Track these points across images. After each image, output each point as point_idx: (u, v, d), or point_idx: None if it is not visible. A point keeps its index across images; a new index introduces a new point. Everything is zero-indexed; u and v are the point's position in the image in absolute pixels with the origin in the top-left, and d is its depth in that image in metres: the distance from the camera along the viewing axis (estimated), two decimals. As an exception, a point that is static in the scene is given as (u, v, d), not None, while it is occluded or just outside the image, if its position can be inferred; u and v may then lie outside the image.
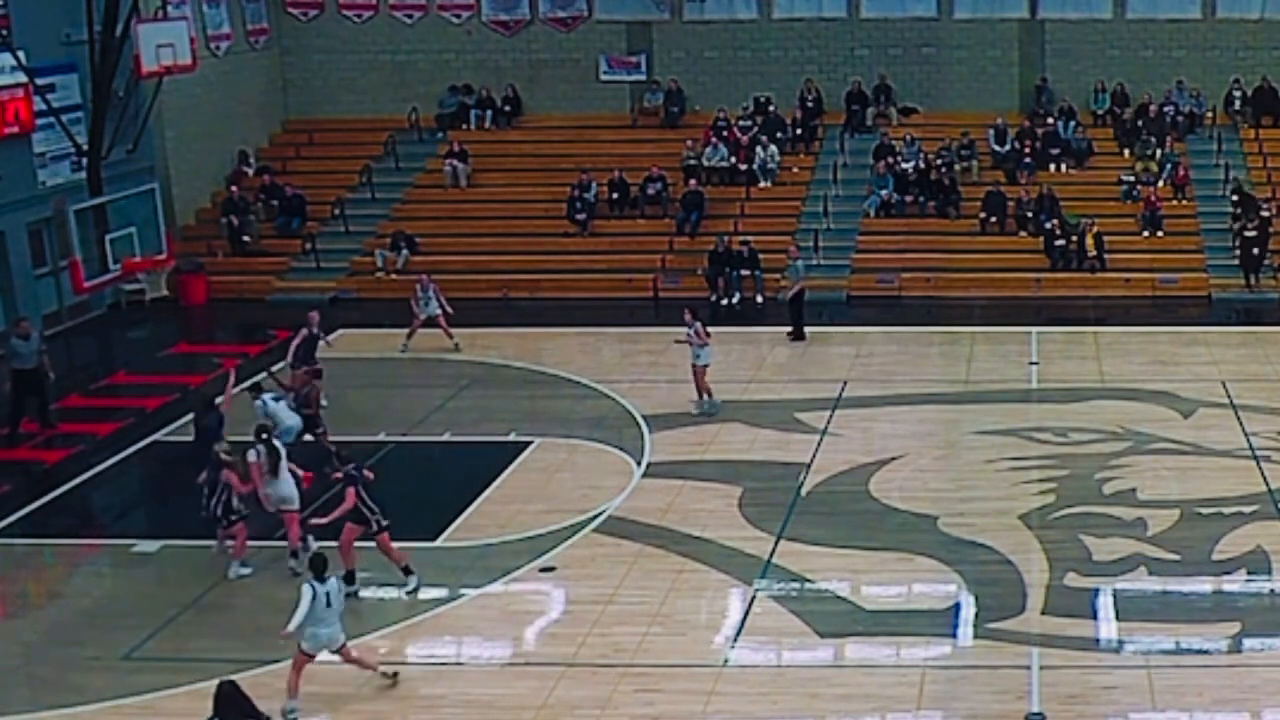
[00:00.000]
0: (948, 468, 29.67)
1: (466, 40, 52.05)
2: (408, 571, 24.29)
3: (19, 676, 21.97)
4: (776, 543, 25.86)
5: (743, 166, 48.14)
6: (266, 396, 28.96)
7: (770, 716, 20.21)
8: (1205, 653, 21.65)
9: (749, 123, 49.60)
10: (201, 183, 48.49)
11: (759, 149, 48.13)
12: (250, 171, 49.37)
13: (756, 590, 24.07)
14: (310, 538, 25.15)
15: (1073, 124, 49.15)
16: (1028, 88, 50.94)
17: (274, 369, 31.70)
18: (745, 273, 43.24)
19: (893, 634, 22.50)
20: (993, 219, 45.41)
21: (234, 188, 47.50)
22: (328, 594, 20.63)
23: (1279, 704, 20.17)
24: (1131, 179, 46.95)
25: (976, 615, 23.00)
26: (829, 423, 32.16)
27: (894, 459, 29.92)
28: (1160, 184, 46.54)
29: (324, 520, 23.82)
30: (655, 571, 24.84)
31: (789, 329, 38.89)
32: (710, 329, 33.34)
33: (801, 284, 39.10)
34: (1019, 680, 20.93)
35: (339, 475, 23.88)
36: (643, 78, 51.84)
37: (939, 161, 47.22)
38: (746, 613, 23.42)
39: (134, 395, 35.87)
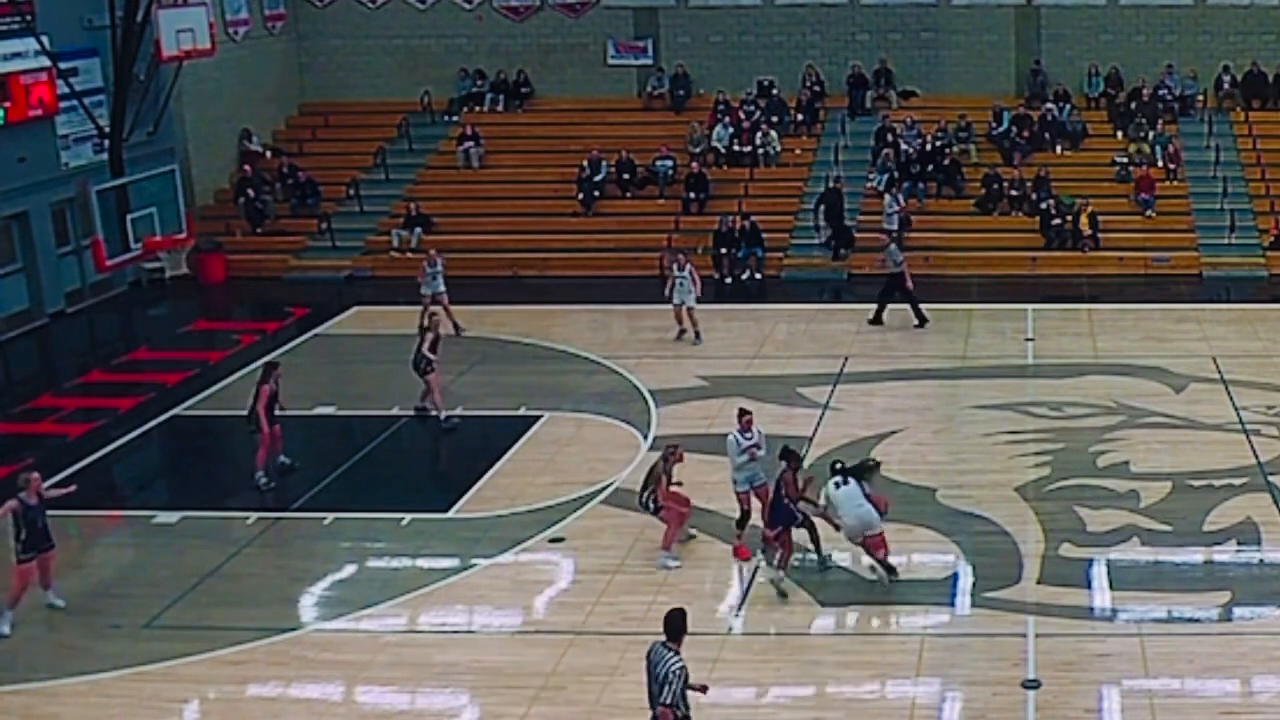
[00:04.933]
0: (946, 441, 29.92)
1: (478, 25, 52.38)
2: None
3: (44, 644, 22.23)
4: (779, 514, 26.22)
5: (746, 149, 48.65)
6: None
7: (773, 683, 20.47)
8: (1196, 621, 21.95)
9: (752, 106, 50.03)
10: (220, 164, 48.81)
11: (762, 132, 48.60)
12: (252, 146, 49.79)
13: (760, 561, 24.23)
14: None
15: (1067, 107, 49.43)
16: (1023, 71, 51.21)
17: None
18: (749, 251, 43.73)
19: (892, 603, 22.76)
20: (990, 200, 45.91)
21: (246, 166, 47.98)
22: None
23: (1268, 671, 20.50)
24: (1125, 160, 47.18)
25: (974, 584, 23.27)
26: (830, 397, 32.38)
27: (894, 433, 30.15)
28: (1154, 165, 46.78)
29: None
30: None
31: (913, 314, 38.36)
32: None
33: (899, 267, 38.41)
34: (1015, 648, 21.26)
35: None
36: (649, 62, 52.13)
37: (938, 143, 47.61)
38: (750, 582, 23.69)
39: (154, 370, 36.30)
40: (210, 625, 22.73)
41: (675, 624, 17.16)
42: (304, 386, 31.88)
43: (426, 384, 31.57)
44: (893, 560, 23.78)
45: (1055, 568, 23.83)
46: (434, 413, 31.60)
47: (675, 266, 37.33)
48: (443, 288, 38.12)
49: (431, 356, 31.40)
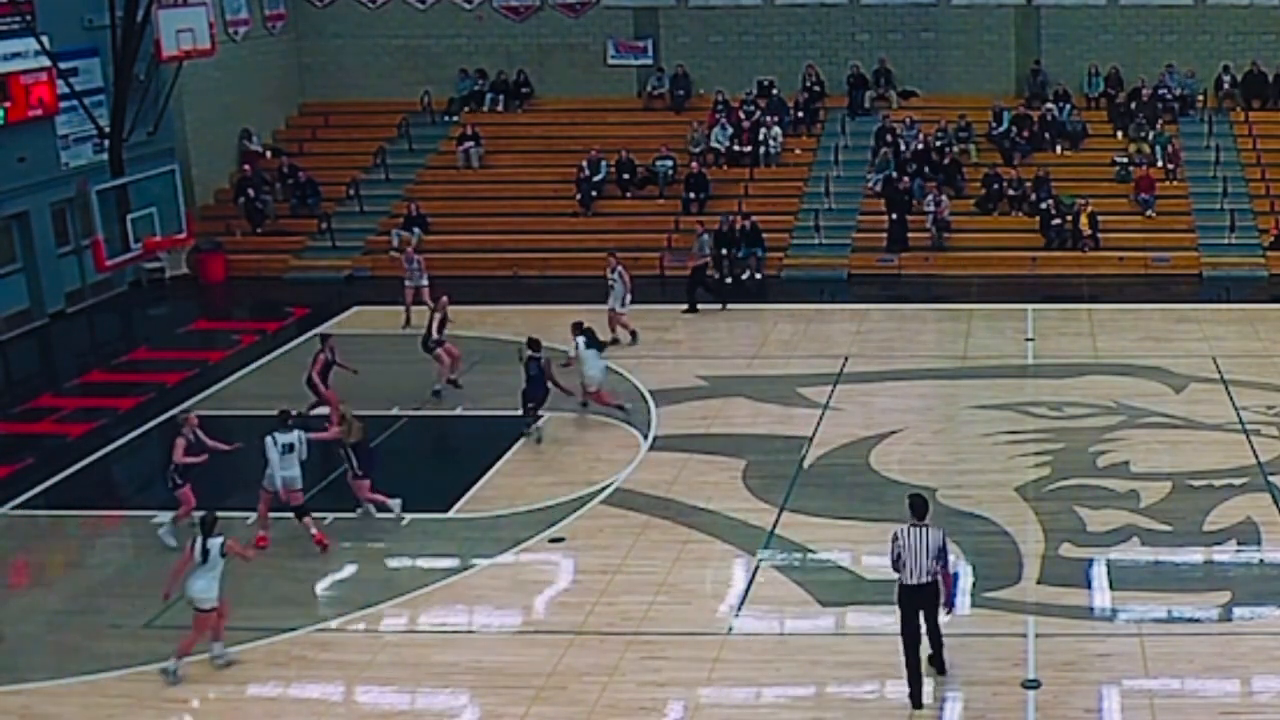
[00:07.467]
0: (946, 441, 29.89)
1: (478, 25, 52.44)
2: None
3: (44, 644, 22.15)
4: (779, 514, 26.08)
5: (747, 149, 48.69)
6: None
7: (773, 683, 20.39)
8: (1196, 621, 21.85)
9: (752, 106, 50.03)
10: (220, 164, 48.85)
11: (763, 130, 48.66)
12: (252, 146, 49.88)
13: (760, 560, 24.27)
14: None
15: (1067, 107, 49.45)
16: (1023, 71, 51.25)
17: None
18: (749, 251, 43.64)
19: (893, 603, 22.18)
20: (990, 200, 45.92)
21: (246, 166, 48.06)
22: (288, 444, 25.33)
23: (1268, 671, 20.41)
24: (1125, 160, 47.18)
25: (974, 584, 23.10)
26: (830, 397, 32.33)
27: (894, 433, 30.09)
28: (1154, 165, 46.79)
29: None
30: (661, 542, 25.07)
31: (685, 305, 39.90)
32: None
33: (705, 258, 40.77)
34: (1015, 648, 21.21)
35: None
36: (649, 62, 52.19)
37: (938, 143, 47.69)
38: (750, 582, 23.61)
39: (154, 370, 36.29)
40: (210, 625, 22.68)
41: (922, 506, 20.10)
42: (304, 387, 31.70)
43: (436, 359, 33.48)
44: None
45: (1055, 568, 23.73)
46: (437, 386, 33.54)
47: (608, 270, 37.39)
48: (424, 282, 38.79)
49: (439, 336, 33.42)
